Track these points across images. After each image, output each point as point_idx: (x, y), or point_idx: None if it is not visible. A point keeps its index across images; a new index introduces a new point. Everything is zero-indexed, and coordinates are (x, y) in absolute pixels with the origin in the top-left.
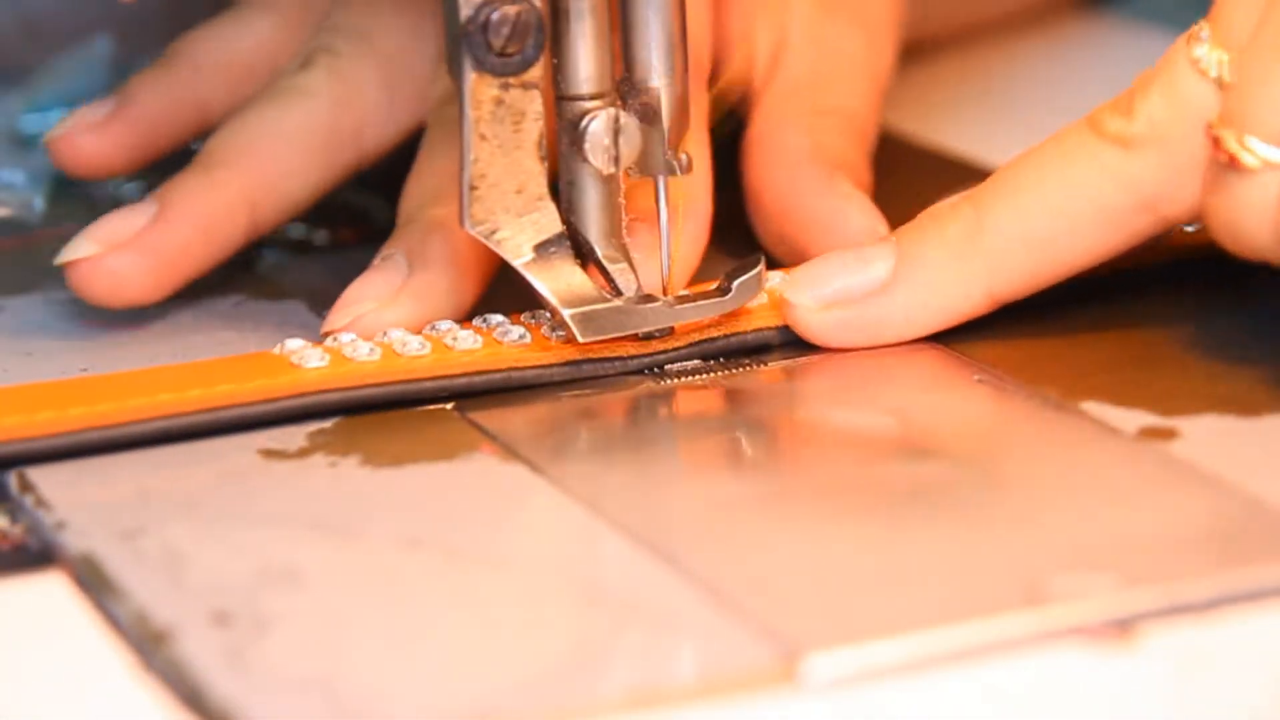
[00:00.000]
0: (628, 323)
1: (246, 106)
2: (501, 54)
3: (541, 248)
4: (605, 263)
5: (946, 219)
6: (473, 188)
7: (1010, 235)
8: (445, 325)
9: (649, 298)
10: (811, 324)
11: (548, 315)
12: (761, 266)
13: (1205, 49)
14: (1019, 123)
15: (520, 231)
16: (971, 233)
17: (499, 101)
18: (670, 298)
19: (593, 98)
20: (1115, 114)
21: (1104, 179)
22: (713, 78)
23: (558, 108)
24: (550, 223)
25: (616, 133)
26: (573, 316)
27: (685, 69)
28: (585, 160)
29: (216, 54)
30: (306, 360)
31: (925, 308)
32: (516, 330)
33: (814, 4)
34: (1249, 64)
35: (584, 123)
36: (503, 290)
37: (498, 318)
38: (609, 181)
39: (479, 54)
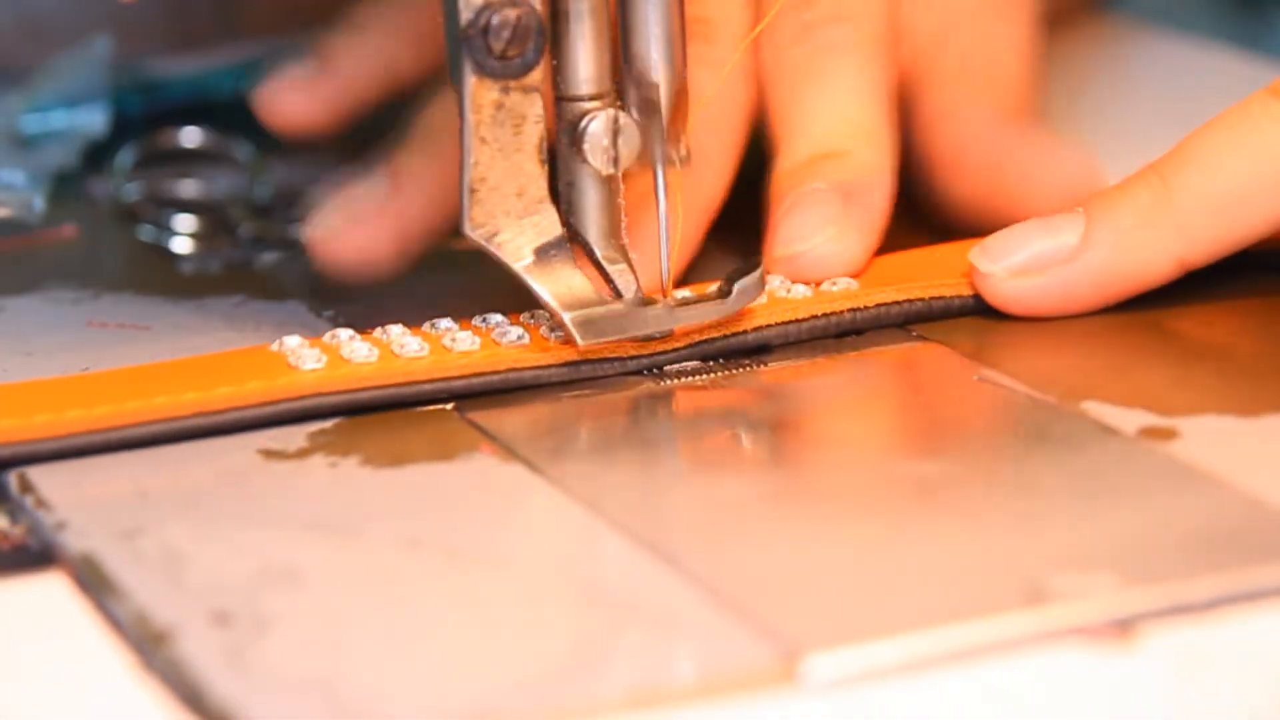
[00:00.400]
0: (628, 326)
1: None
2: (502, 57)
3: (542, 251)
4: (604, 263)
5: (1134, 187)
6: (473, 191)
7: (1198, 201)
8: (445, 324)
9: (649, 301)
10: (1002, 291)
11: (546, 315)
12: (762, 269)
13: None
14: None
15: (520, 234)
16: (1160, 200)
17: (499, 105)
18: (670, 300)
19: (592, 98)
20: None
21: None
22: None
23: (557, 108)
24: (550, 226)
25: (616, 134)
26: (572, 320)
27: (685, 63)
28: (584, 161)
29: (402, 17)
30: (303, 361)
31: (1115, 274)
32: (515, 331)
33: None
34: None
35: (583, 124)
36: (502, 287)
37: (497, 317)
38: (608, 182)
39: (479, 58)
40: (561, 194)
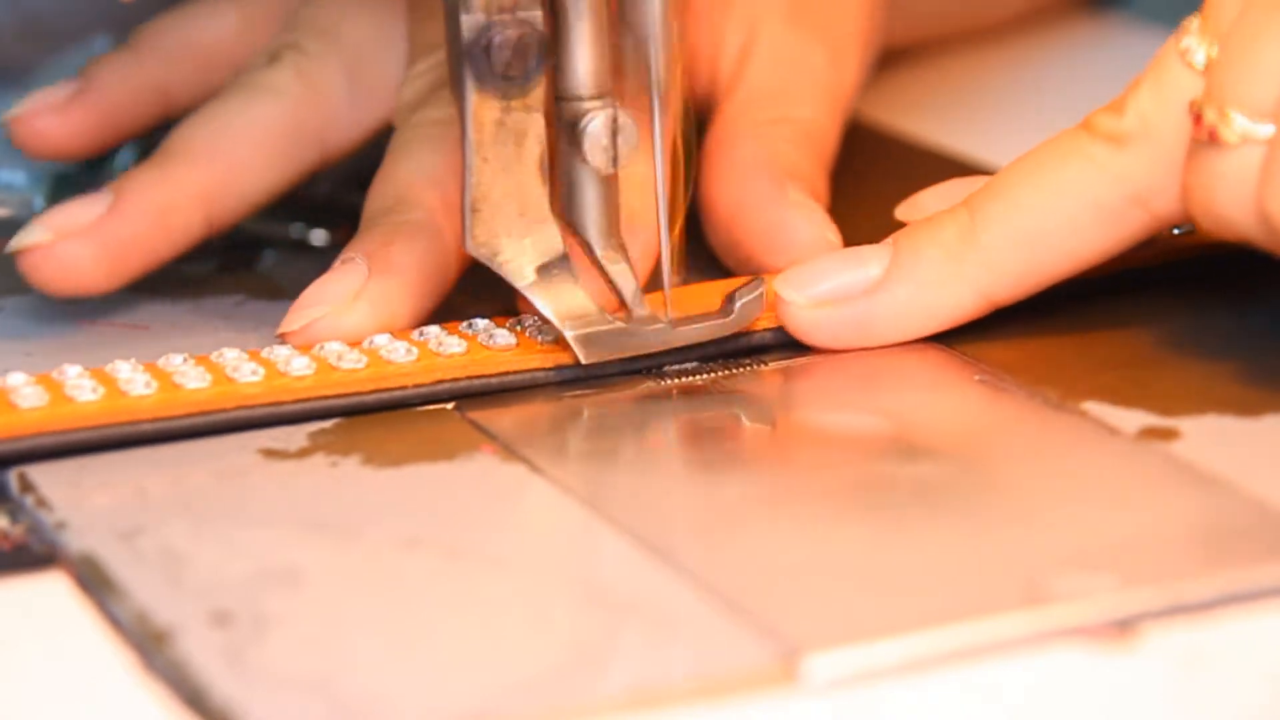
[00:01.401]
0: (629, 344)
1: (211, 100)
2: (504, 75)
3: (544, 269)
4: (604, 262)
5: (942, 221)
6: (474, 209)
7: (1003, 235)
8: (433, 330)
9: (651, 318)
10: (803, 321)
11: (534, 318)
12: (764, 287)
13: (1194, 39)
14: (1022, 123)
15: (522, 253)
16: (966, 234)
17: (500, 123)
18: (672, 318)
19: (592, 98)
20: (1107, 113)
21: (1095, 176)
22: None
23: (556, 108)
24: (552, 244)
25: (615, 133)
26: (575, 338)
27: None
28: (584, 160)
29: (182, 41)
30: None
31: (918, 308)
32: (502, 335)
33: (781, 18)
34: (1233, 41)
35: (583, 123)
36: (484, 294)
37: (482, 322)
38: (608, 181)
39: (481, 75)
40: (561, 192)
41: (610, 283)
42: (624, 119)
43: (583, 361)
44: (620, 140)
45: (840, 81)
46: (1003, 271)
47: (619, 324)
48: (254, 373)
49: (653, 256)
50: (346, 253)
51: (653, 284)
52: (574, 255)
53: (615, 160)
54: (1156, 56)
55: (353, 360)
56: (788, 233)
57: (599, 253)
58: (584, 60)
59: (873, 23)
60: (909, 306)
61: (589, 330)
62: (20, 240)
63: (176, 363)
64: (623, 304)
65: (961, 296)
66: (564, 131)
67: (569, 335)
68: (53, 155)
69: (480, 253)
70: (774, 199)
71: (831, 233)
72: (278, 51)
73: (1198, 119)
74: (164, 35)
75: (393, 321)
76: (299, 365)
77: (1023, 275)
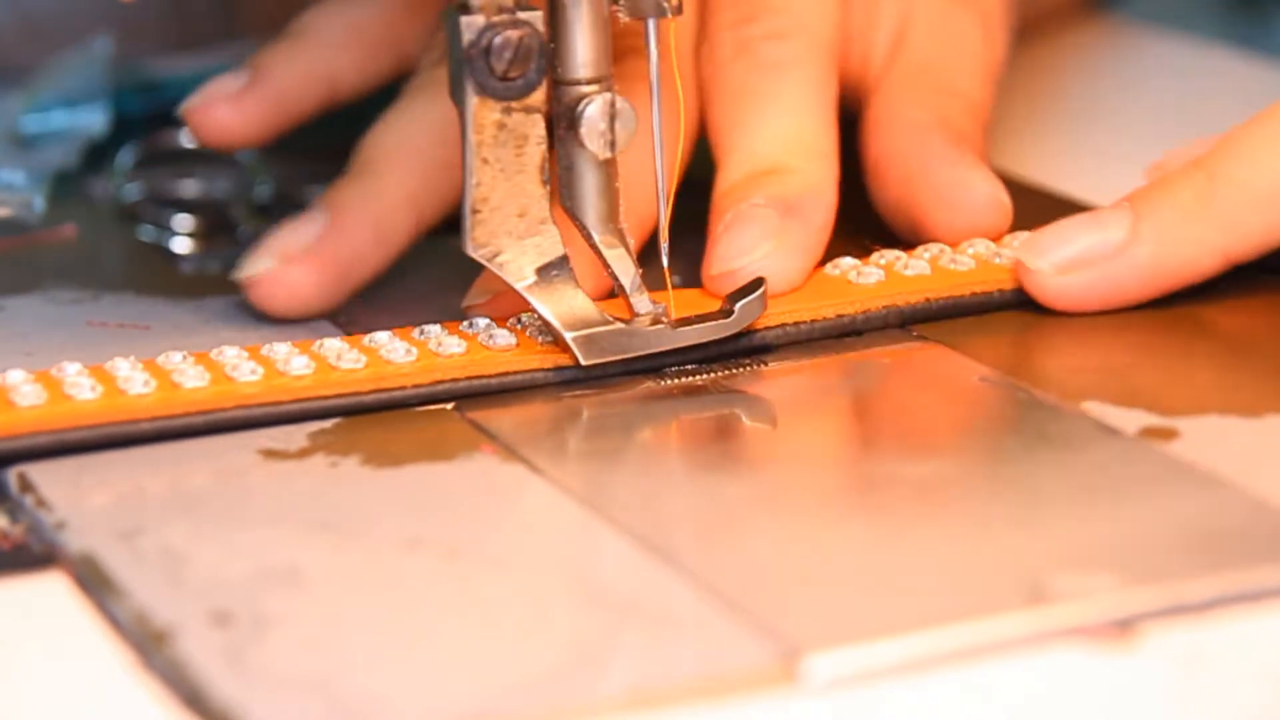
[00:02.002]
0: (630, 345)
1: (394, 104)
2: (504, 78)
3: (543, 271)
4: (602, 248)
5: (1178, 182)
6: (475, 211)
7: (1242, 194)
8: (433, 330)
9: (654, 320)
10: (1049, 287)
11: (534, 318)
12: (764, 288)
13: None
14: (1033, 126)
15: (522, 254)
16: (1204, 194)
17: (501, 125)
18: (672, 320)
19: (589, 82)
20: None
21: None
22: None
23: (554, 92)
24: (552, 246)
25: (613, 118)
26: (575, 339)
27: None
28: (581, 145)
29: (344, 27)
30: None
31: (1161, 269)
32: (502, 335)
33: None
34: None
35: (580, 107)
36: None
37: (483, 322)
38: (606, 166)
39: (481, 78)
40: (560, 178)
41: (609, 269)
42: (621, 104)
43: (583, 363)
44: (618, 125)
45: (993, 56)
46: (1244, 231)
47: (619, 325)
48: (253, 371)
49: (646, 229)
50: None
51: (654, 284)
52: (573, 243)
53: (613, 145)
54: None
55: (352, 360)
56: (966, 190)
57: (597, 238)
58: (581, 45)
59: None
60: (1152, 268)
61: (589, 332)
62: (249, 270)
63: (176, 360)
64: (621, 291)
65: (1201, 256)
66: (561, 116)
67: (568, 337)
68: (230, 145)
69: (480, 254)
70: (952, 158)
71: (1005, 196)
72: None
73: None
74: (326, 21)
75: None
76: (298, 364)
77: (1264, 233)
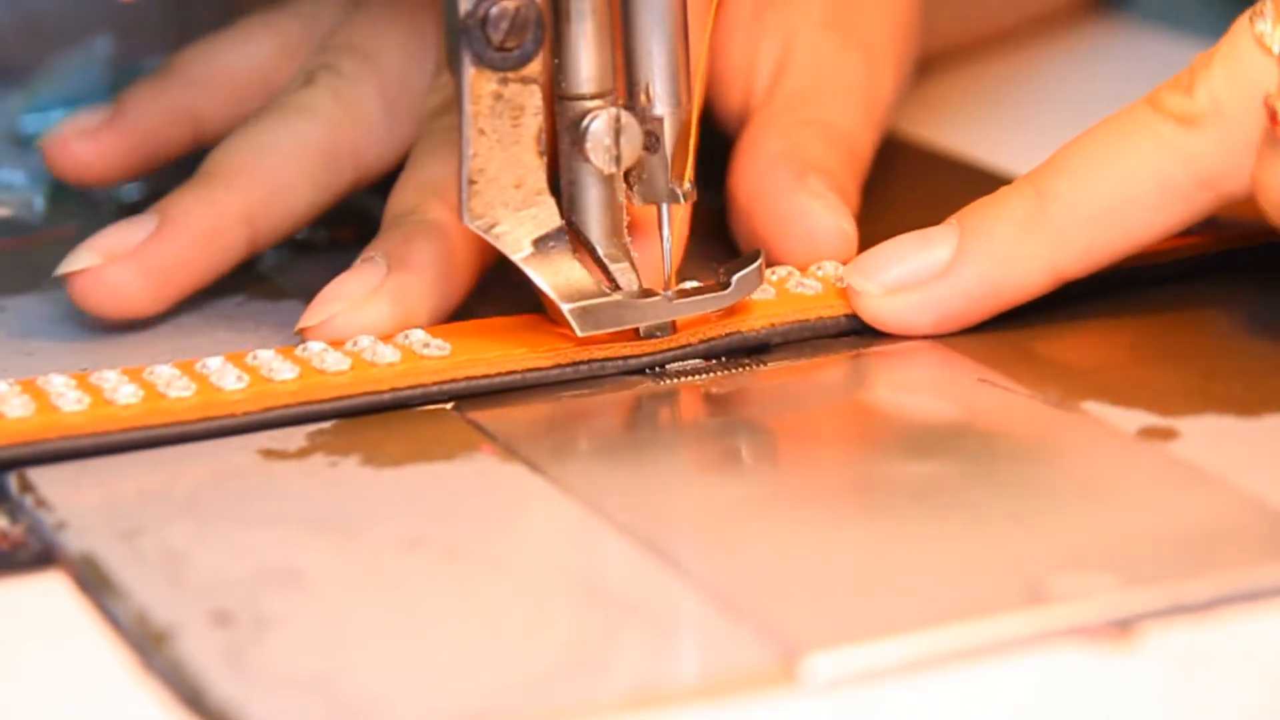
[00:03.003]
0: (627, 317)
1: (248, 122)
2: (500, 49)
3: (540, 242)
4: (607, 261)
5: (1007, 199)
6: (471, 182)
7: (1073, 211)
8: (417, 335)
9: (648, 292)
10: (877, 310)
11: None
12: (761, 260)
13: (1269, 24)
14: (1034, 126)
15: (519, 226)
16: (1034, 211)
17: (498, 96)
18: (670, 292)
19: (594, 97)
20: (1175, 91)
21: (1164, 156)
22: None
23: (558, 107)
24: (549, 217)
25: (618, 133)
26: (571, 311)
27: (690, 97)
28: (586, 160)
29: (214, 69)
30: (277, 374)
31: (990, 287)
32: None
33: (817, 26)
34: None
35: (585, 123)
36: (494, 293)
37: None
38: (610, 181)
39: (478, 49)
40: (564, 192)
41: (613, 283)
42: (626, 119)
43: (578, 334)
44: (623, 140)
45: (876, 88)
46: (1073, 248)
47: (616, 297)
48: (239, 379)
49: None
50: (367, 252)
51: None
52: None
53: (618, 160)
54: (1228, 35)
55: (338, 362)
56: (805, 220)
57: (602, 252)
58: (585, 59)
59: (909, 32)
60: (981, 286)
61: (586, 304)
62: (68, 264)
63: (163, 373)
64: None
65: (1034, 274)
66: (566, 131)
67: (565, 309)
68: (85, 180)
69: (476, 225)
70: (792, 188)
71: (848, 223)
72: (313, 73)
73: (1273, 115)
74: (196, 62)
75: (410, 318)
76: (283, 372)
77: (1092, 251)
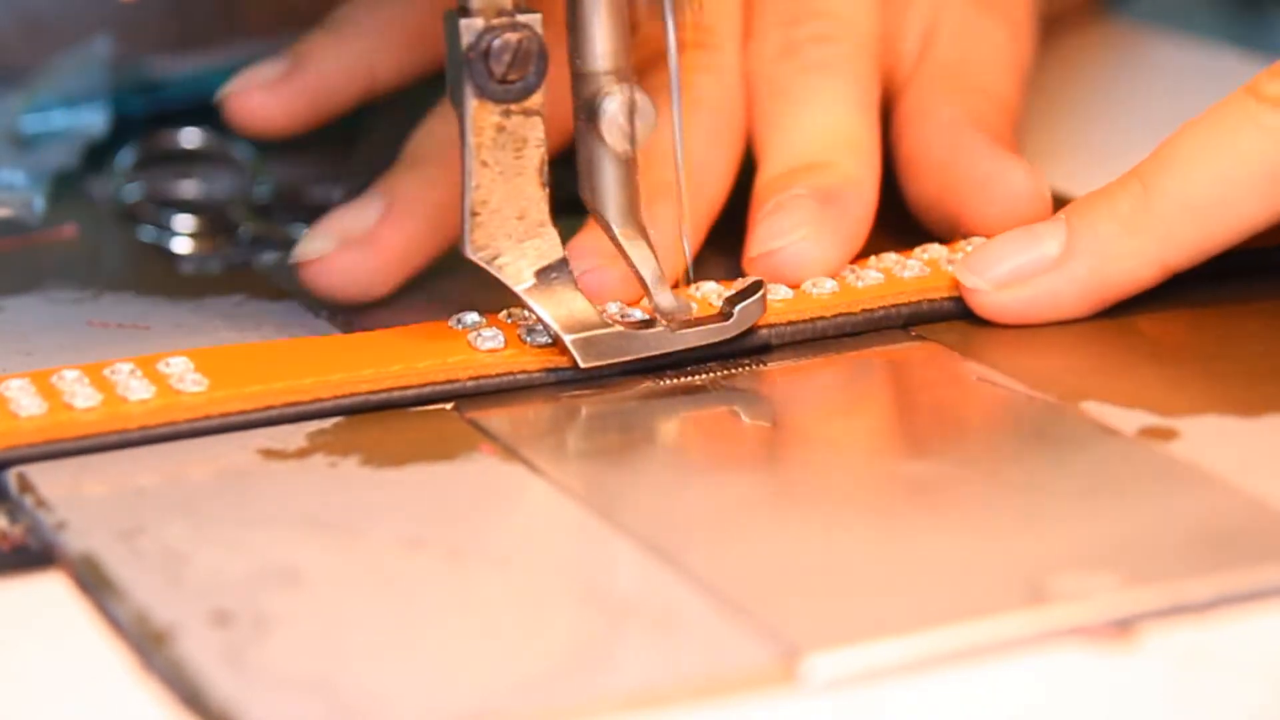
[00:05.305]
0: (629, 348)
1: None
2: (503, 81)
3: (543, 273)
4: (622, 240)
5: (1114, 193)
6: (474, 214)
7: (1179, 204)
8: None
9: (649, 323)
10: (989, 304)
11: (525, 314)
12: (763, 291)
13: None
14: (1035, 127)
15: (521, 257)
16: (1140, 205)
17: (500, 128)
18: (673, 323)
19: (608, 74)
20: (1274, 78)
21: (1267, 142)
22: None
23: (574, 84)
24: (551, 248)
25: (633, 112)
26: (574, 342)
27: None
28: (601, 139)
29: (383, 20)
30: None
31: (1099, 282)
32: (490, 334)
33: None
34: None
35: (600, 102)
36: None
37: (471, 316)
38: (626, 160)
39: (480, 81)
40: (580, 169)
41: (630, 264)
42: (641, 99)
43: (581, 365)
44: (638, 120)
45: (1019, 56)
46: (1181, 241)
47: (618, 328)
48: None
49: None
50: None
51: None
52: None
53: (633, 141)
54: None
55: (88, 399)
56: (1005, 182)
57: (618, 232)
58: (600, 35)
59: (1036, 1)
60: (1090, 281)
61: (587, 335)
62: (303, 251)
63: (176, 366)
64: (643, 285)
65: (1142, 267)
66: (581, 108)
67: (567, 340)
68: (265, 133)
69: (479, 256)
70: (988, 151)
71: (1045, 187)
72: None
73: None
74: (366, 14)
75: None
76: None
77: (1201, 242)
